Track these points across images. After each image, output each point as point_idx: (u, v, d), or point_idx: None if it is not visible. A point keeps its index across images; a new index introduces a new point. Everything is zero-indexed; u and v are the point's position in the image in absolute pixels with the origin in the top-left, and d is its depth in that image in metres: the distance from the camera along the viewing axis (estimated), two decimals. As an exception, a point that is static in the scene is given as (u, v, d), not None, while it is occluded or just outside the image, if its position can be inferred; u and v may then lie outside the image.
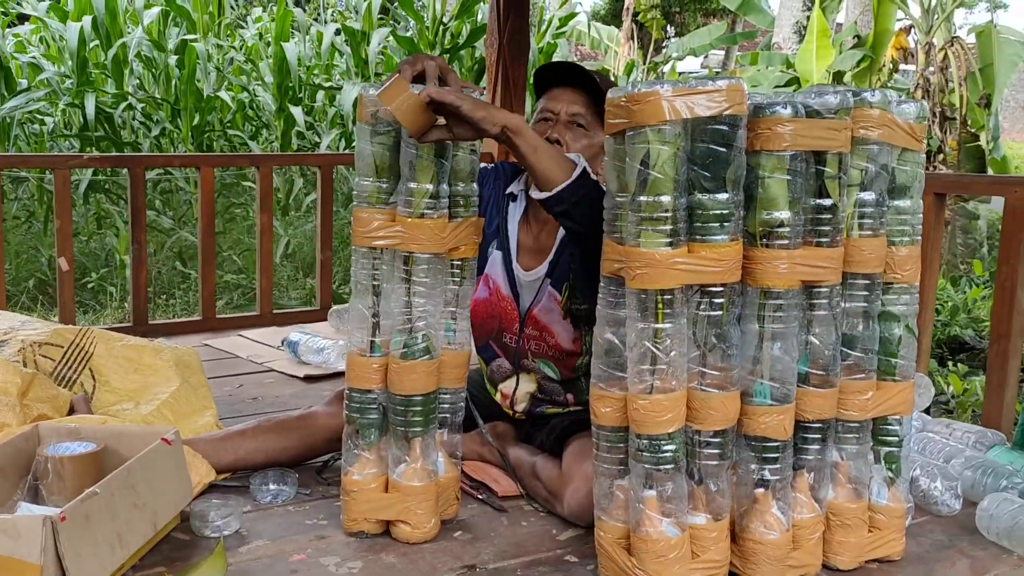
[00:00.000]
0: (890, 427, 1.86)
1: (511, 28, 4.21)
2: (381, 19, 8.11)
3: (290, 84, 6.52)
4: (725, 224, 1.60)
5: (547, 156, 1.76)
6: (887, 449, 1.86)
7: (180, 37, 7.14)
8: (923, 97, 7.77)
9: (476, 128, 1.71)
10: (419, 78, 1.73)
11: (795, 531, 1.77)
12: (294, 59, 6.36)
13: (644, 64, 12.38)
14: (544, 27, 8.35)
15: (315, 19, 8.80)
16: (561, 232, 2.11)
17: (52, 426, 1.98)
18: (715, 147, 1.57)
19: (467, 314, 1.95)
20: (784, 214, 1.65)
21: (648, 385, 1.62)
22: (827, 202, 1.70)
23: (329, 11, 10.05)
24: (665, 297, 1.60)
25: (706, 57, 15.65)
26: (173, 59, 6.62)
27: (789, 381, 1.70)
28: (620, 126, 1.60)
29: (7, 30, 7.65)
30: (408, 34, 7.30)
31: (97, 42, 6.77)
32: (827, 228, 1.70)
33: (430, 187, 1.78)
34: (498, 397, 2.31)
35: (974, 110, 7.72)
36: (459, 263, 1.90)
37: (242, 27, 8.44)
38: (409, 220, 1.78)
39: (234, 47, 7.43)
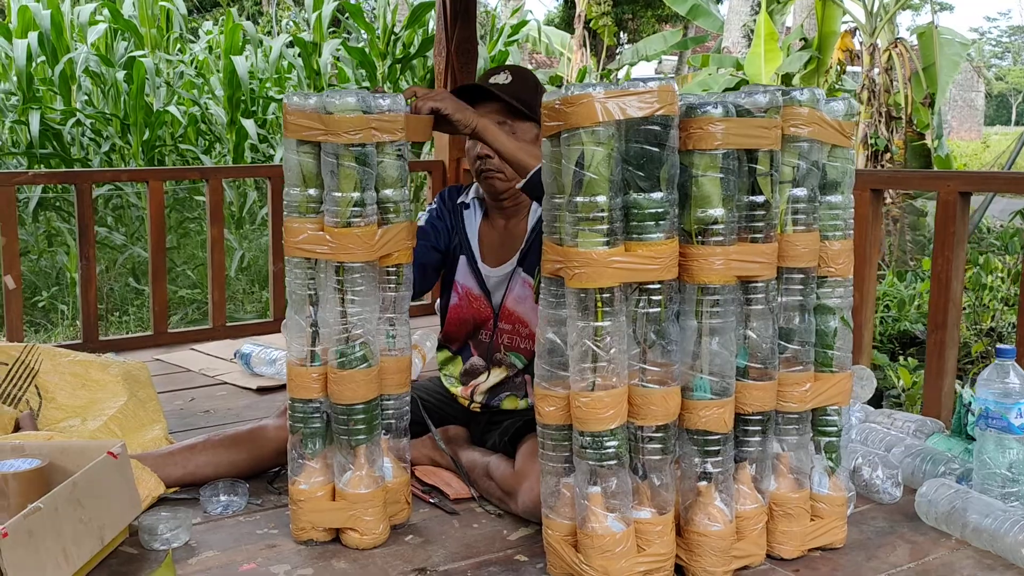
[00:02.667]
0: (829, 418, 1.90)
1: (459, 36, 4.24)
2: (333, 31, 8.12)
3: (241, 97, 6.50)
4: (660, 223, 1.63)
5: (514, 147, 1.98)
6: (827, 439, 1.91)
7: (128, 52, 7.09)
8: (869, 98, 7.92)
9: (455, 127, 1.96)
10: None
11: (739, 522, 1.80)
12: (244, 72, 6.34)
13: (597, 70, 12.48)
14: (496, 35, 8.40)
15: (267, 32, 8.77)
16: (531, 222, 2.21)
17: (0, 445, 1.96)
18: (648, 147, 1.61)
19: (406, 319, 1.97)
20: (718, 211, 1.68)
21: (590, 383, 1.65)
22: (760, 199, 1.74)
23: (284, 22, 10.02)
24: (604, 295, 1.62)
25: (660, 62, 15.82)
26: (121, 74, 6.56)
27: (728, 375, 1.73)
28: (555, 128, 1.63)
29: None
30: (360, 45, 7.30)
31: (44, 58, 6.71)
32: (761, 224, 1.74)
33: (355, 195, 1.79)
34: (459, 390, 2.32)
35: (919, 110, 7.87)
36: (394, 269, 1.92)
37: (192, 41, 8.38)
38: (336, 230, 1.79)
39: (183, 61, 7.38)
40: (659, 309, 1.67)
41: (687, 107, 1.67)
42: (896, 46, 7.85)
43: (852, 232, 1.89)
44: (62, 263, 6.36)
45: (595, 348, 1.64)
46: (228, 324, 3.86)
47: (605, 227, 1.61)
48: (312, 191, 1.83)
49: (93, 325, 3.59)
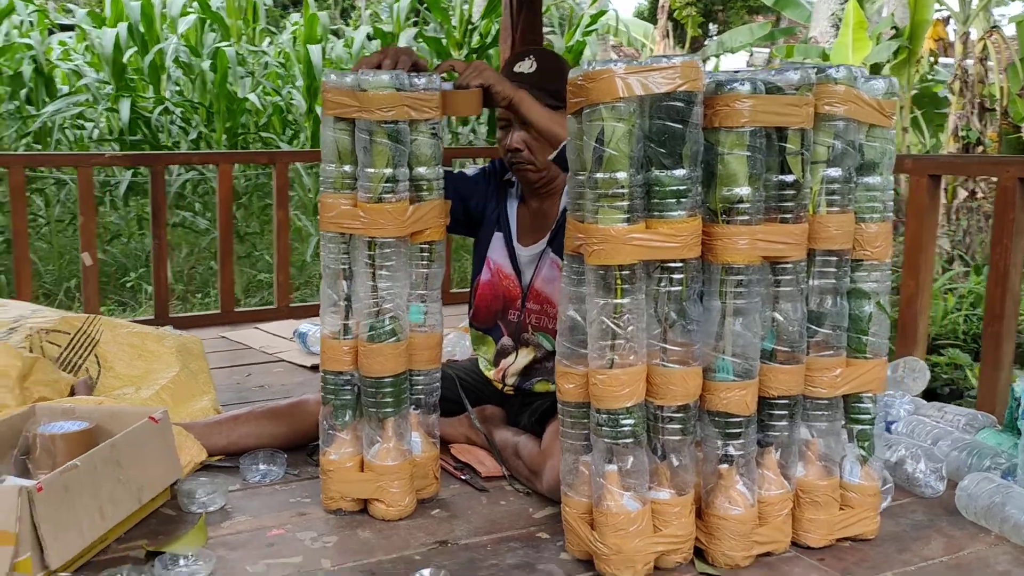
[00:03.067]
0: (862, 405, 1.85)
1: (523, 25, 4.25)
2: (415, 21, 8.21)
3: (318, 86, 6.63)
4: (682, 200, 1.61)
5: (548, 119, 2.00)
6: (859, 427, 1.86)
7: (216, 44, 7.30)
8: (961, 88, 7.64)
9: (494, 99, 1.96)
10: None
11: (762, 507, 1.77)
12: (319, 61, 6.47)
13: (682, 62, 12.27)
14: (574, 25, 8.37)
15: (347, 24, 8.92)
16: (563, 204, 2.19)
17: (48, 406, 2.05)
18: (670, 123, 1.59)
19: (438, 296, 1.99)
20: (744, 190, 1.66)
21: (607, 360, 1.64)
22: (789, 178, 1.70)
23: (367, 13, 10.19)
24: (624, 273, 1.62)
25: (751, 55, 15.50)
26: (207, 64, 6.77)
27: (752, 357, 1.71)
28: (578, 105, 1.63)
29: (52, 37, 7.89)
30: (437, 36, 7.37)
31: (135, 48, 6.96)
32: (790, 204, 1.71)
33: (387, 171, 1.82)
34: (492, 373, 2.34)
35: (1015, 101, 7.55)
36: (426, 246, 1.94)
37: (276, 32, 8.59)
38: (368, 205, 1.83)
39: (265, 51, 7.57)
40: (680, 288, 1.65)
41: (714, 83, 1.65)
42: (991, 35, 7.54)
43: (891, 215, 1.83)
44: (150, 245, 6.60)
45: (613, 326, 1.63)
46: (291, 305, 3.96)
47: (625, 204, 1.60)
48: (347, 167, 1.87)
49: (164, 302, 3.72)
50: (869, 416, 1.85)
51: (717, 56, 11.25)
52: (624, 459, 1.66)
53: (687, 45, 13.26)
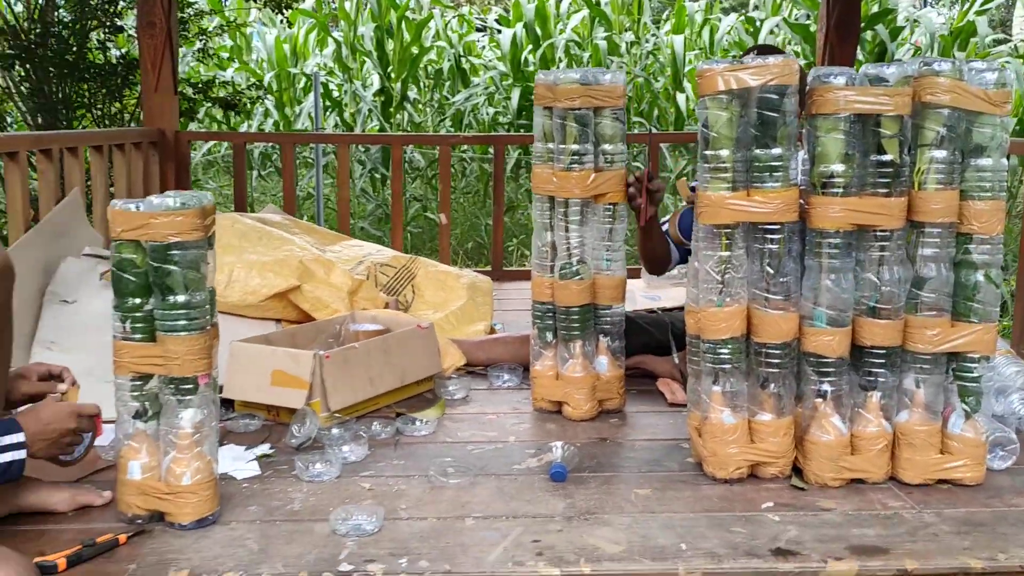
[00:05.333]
0: (968, 364, 2.05)
1: (839, 13, 4.46)
2: (793, 4, 8.38)
3: (676, 71, 7.18)
4: (775, 174, 1.98)
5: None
6: (964, 384, 2.06)
7: (601, 37, 8.14)
8: None
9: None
10: None
11: (856, 441, 2.07)
12: (680, 48, 7.01)
13: None
14: (967, 3, 7.97)
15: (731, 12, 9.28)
16: None
17: (362, 313, 2.91)
18: (766, 112, 1.97)
19: (620, 246, 2.50)
20: (837, 167, 1.97)
21: (712, 301, 2.06)
22: (886, 158, 1.98)
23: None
24: (727, 231, 2.03)
25: None
26: (586, 55, 7.62)
27: (842, 309, 2.02)
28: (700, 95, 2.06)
29: (474, 35, 9.30)
30: (804, 22, 7.52)
31: (531, 45, 8.03)
32: (886, 181, 1.98)
33: (575, 147, 2.37)
34: None
35: None
36: (610, 207, 2.46)
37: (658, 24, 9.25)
38: (560, 173, 2.39)
39: (637, 41, 8.25)
40: (778, 247, 2.02)
41: (815, 76, 1.99)
42: None
43: (1003, 194, 2.00)
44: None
45: (717, 274, 2.05)
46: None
47: (729, 176, 2.01)
48: (549, 145, 2.46)
49: (499, 257, 4.57)
50: (973, 375, 2.05)
51: None
52: (725, 381, 2.08)
53: None
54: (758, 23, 7.57)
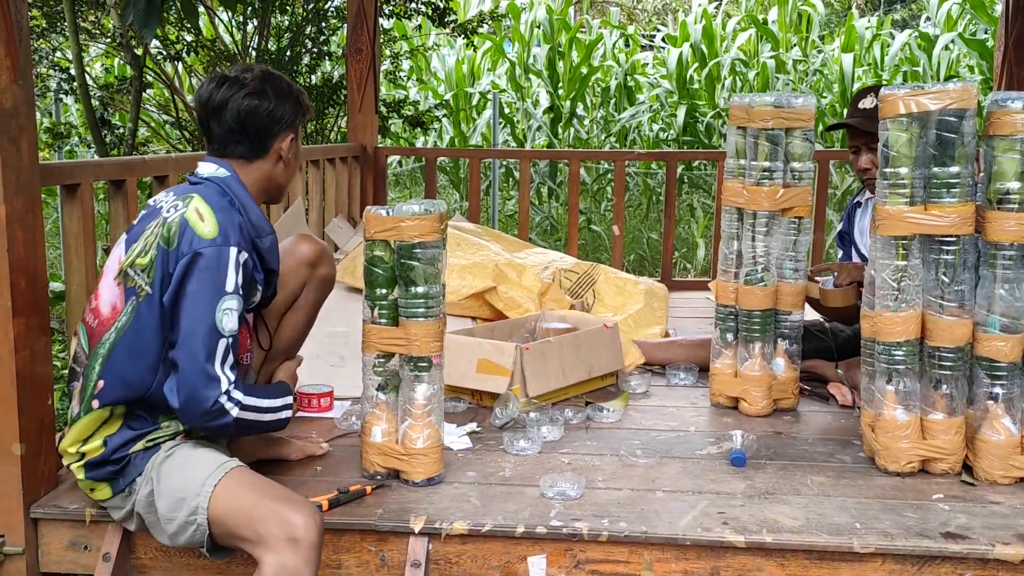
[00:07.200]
0: None
1: (1018, 31, 4.46)
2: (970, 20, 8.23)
3: (844, 88, 7.20)
4: (952, 190, 2.14)
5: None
6: None
7: (768, 55, 8.24)
8: None
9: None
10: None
11: (1027, 442, 2.20)
12: (849, 67, 7.03)
13: None
14: None
15: (904, 28, 9.16)
16: None
17: (552, 312, 3.21)
18: (944, 133, 2.14)
19: (803, 257, 2.69)
20: (1013, 184, 2.12)
21: (887, 307, 2.24)
22: (1063, 177, 2.11)
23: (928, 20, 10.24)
24: (903, 242, 2.20)
25: None
26: (752, 73, 7.74)
27: (1015, 316, 2.15)
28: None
29: (640, 54, 9.55)
30: (980, 37, 7.39)
31: (697, 64, 8.21)
32: (1066, 198, 2.11)
33: (766, 164, 2.58)
34: None
35: None
36: (795, 221, 2.66)
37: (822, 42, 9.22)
38: (750, 187, 2.61)
39: (804, 59, 8.28)
40: (953, 258, 2.18)
41: (993, 100, 2.14)
42: None
43: None
44: (693, 228, 7.82)
45: (893, 282, 2.22)
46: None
47: (907, 192, 2.18)
48: (742, 161, 2.68)
49: (668, 267, 4.79)
50: None
51: None
52: (898, 382, 2.25)
53: None
54: (932, 38, 7.48)
